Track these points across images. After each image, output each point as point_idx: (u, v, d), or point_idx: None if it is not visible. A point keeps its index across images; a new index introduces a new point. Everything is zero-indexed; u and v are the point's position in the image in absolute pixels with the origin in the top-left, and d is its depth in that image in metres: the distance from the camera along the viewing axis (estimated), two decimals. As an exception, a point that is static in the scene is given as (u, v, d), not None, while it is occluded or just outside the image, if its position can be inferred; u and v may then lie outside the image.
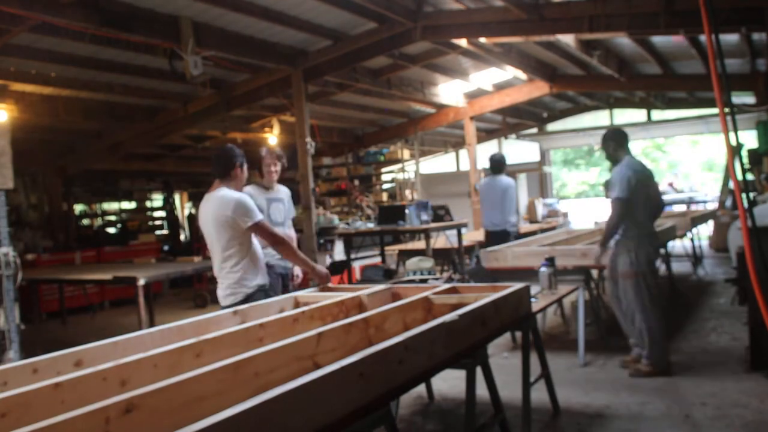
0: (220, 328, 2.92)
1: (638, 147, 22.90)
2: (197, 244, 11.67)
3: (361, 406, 2.03)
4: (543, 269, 4.41)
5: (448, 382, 4.54)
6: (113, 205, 15.03)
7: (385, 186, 14.40)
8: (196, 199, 15.93)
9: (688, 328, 5.90)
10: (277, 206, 4.69)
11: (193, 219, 13.74)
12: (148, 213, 15.35)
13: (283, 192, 4.78)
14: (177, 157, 13.01)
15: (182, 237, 14.56)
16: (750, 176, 8.85)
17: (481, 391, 3.14)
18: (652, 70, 10.02)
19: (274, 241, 3.82)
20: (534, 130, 15.69)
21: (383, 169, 14.68)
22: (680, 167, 19.94)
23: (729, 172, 9.80)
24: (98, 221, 14.29)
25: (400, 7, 6.69)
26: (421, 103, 11.16)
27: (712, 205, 12.94)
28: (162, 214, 14.95)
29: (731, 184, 10.24)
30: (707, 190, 14.78)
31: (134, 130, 10.11)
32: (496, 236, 7.28)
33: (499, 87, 11.25)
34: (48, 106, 8.12)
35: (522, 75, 10.07)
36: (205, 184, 16.39)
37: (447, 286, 3.58)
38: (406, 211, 8.17)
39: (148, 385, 1.85)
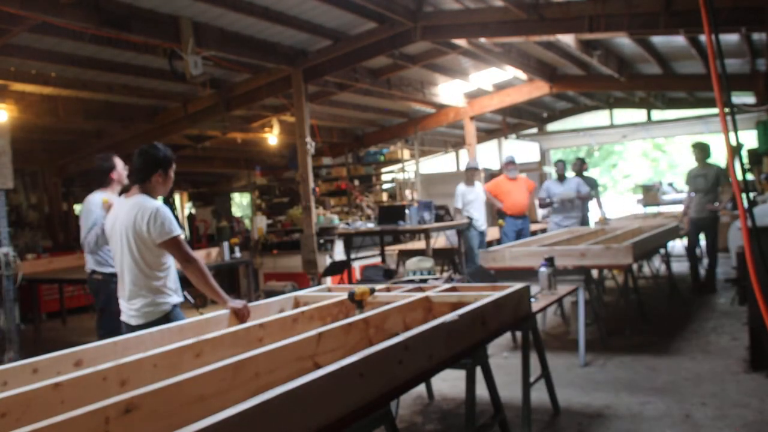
0: (220, 328, 2.92)
1: (638, 147, 22.95)
2: (197, 244, 11.66)
3: (361, 406, 2.03)
4: (542, 269, 4.41)
5: (448, 382, 4.54)
6: (113, 205, 15.01)
7: (385, 186, 14.38)
8: (196, 199, 15.93)
9: (688, 328, 5.90)
10: None
11: (193, 219, 13.73)
12: (148, 213, 15.34)
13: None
14: (177, 157, 12.94)
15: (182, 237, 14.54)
16: (750, 176, 8.84)
17: (481, 391, 3.14)
18: (652, 70, 10.01)
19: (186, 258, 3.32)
20: (534, 130, 15.68)
21: (383, 169, 14.65)
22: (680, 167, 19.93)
23: (729, 172, 9.79)
24: (98, 221, 14.27)
25: (400, 7, 6.69)
26: (421, 103, 11.16)
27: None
28: (162, 214, 14.93)
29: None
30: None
31: (134, 130, 10.11)
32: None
33: (499, 87, 11.24)
34: (48, 106, 8.12)
35: (522, 75, 10.06)
36: (205, 184, 16.43)
37: (447, 285, 3.58)
38: (406, 211, 8.16)
39: (148, 385, 1.85)
